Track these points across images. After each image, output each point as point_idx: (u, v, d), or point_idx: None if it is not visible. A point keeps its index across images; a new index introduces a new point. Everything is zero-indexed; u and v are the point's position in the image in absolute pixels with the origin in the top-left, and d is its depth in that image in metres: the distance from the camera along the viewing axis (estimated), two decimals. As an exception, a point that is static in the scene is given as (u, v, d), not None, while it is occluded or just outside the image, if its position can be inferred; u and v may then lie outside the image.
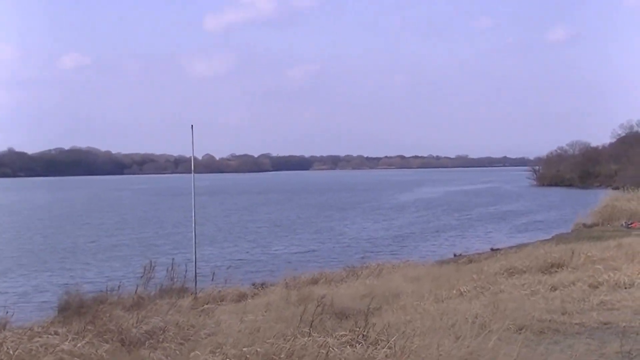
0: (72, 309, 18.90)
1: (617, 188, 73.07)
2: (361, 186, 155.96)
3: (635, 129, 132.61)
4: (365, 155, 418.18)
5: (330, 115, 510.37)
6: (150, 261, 24.21)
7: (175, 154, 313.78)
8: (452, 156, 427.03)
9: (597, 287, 14.74)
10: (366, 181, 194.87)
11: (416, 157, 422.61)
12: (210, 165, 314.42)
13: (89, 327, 10.46)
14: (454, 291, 15.91)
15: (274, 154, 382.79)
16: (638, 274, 15.44)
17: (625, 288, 14.45)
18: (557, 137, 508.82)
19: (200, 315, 13.55)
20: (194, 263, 22.96)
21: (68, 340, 9.44)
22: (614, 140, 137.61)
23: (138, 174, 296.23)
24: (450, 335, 8.93)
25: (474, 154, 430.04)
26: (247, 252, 41.65)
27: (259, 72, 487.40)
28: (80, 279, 29.42)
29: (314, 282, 24.87)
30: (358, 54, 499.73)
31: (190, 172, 25.07)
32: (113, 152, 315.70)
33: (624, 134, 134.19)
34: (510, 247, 35.92)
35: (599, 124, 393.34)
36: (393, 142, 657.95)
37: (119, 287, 21.06)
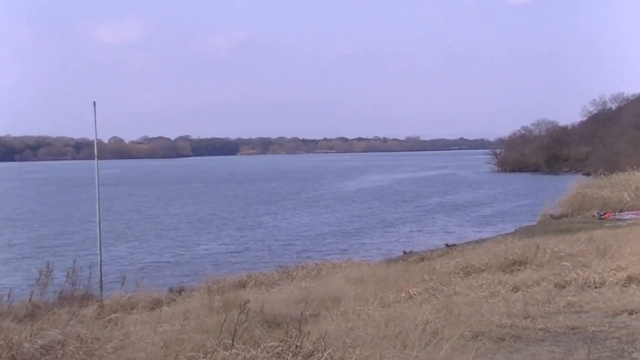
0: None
1: (588, 174, 74.73)
2: (296, 173, 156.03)
3: (609, 105, 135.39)
4: (301, 137, 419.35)
5: (260, 92, 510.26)
6: (48, 264, 23.72)
7: (77, 137, 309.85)
8: (402, 138, 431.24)
9: (564, 287, 15.00)
10: (302, 167, 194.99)
11: (360, 139, 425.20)
12: (118, 150, 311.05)
13: (-29, 343, 10.24)
14: (403, 294, 16.06)
15: (194, 136, 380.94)
16: (610, 272, 15.72)
17: (596, 287, 14.73)
18: (521, 115, 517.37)
19: (106, 326, 13.35)
20: (99, 265, 22.68)
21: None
22: (584, 118, 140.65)
23: (32, 160, 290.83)
24: (396, 345, 9.01)
25: (426, 136, 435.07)
26: (163, 252, 41.34)
27: (177, 40, 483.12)
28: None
29: (242, 285, 24.87)
30: (294, 20, 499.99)
31: (94, 158, 24.72)
32: (1, 134, 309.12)
33: (595, 112, 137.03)
34: (468, 243, 36.44)
35: (568, 101, 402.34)
36: (333, 122, 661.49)
37: (9, 294, 20.63)
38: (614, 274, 15.45)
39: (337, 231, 50.26)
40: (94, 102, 22.77)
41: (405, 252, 36.73)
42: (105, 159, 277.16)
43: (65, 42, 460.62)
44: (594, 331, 10.72)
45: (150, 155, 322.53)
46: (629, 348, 9.47)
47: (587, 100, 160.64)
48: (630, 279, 14.92)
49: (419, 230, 50.09)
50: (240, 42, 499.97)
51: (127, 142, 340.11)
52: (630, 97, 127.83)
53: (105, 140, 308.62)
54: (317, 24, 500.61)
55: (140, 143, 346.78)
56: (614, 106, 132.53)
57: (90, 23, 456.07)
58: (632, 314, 11.89)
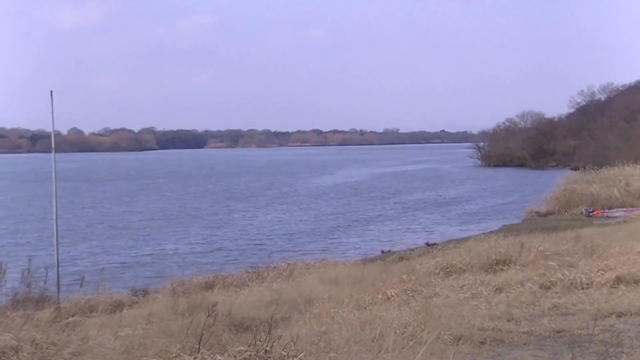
0: None
1: (576, 168, 75.27)
2: (268, 168, 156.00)
3: (597, 96, 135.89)
4: (273, 130, 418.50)
5: (230, 81, 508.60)
6: (0, 264, 23.65)
7: (33, 129, 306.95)
8: (379, 131, 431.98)
9: (549, 288, 15.09)
10: (274, 162, 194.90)
11: (335, 131, 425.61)
12: (78, 143, 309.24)
13: None
14: (380, 295, 16.11)
15: (160, 128, 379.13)
16: (597, 272, 15.81)
17: (583, 289, 14.83)
18: (505, 107, 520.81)
19: (63, 331, 13.27)
20: (56, 266, 22.57)
21: None
22: (572, 110, 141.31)
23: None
24: (372, 349, 9.05)
25: (405, 128, 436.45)
26: (126, 252, 41.21)
27: (140, 25, 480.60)
28: None
29: (209, 287, 24.87)
30: (264, 4, 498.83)
31: (51, 151, 24.57)
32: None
33: (584, 103, 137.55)
34: (449, 242, 36.64)
35: (555, 91, 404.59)
36: (307, 114, 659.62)
37: (-43, 297, 20.52)
38: (602, 274, 15.53)
39: (311, 229, 50.33)
40: (51, 91, 22.63)
41: (383, 252, 36.90)
42: (64, 151, 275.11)
43: (20, 26, 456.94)
44: (580, 334, 10.78)
45: (112, 148, 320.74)
46: (614, 351, 9.54)
47: (575, 91, 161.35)
48: (619, 280, 15.01)
49: (398, 229, 50.24)
50: (208, 26, 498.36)
51: (87, 134, 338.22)
52: (620, 88, 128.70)
53: (64, 132, 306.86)
54: (286, 8, 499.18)
55: (101, 135, 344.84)
56: (603, 97, 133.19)
57: (47, 6, 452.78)
58: (620, 316, 11.98)
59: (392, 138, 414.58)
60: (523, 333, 11.17)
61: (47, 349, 10.66)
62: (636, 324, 11.37)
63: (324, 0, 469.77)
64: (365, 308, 14.74)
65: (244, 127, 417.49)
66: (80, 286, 23.01)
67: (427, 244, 37.35)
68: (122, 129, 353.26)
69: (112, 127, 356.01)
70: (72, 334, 12.65)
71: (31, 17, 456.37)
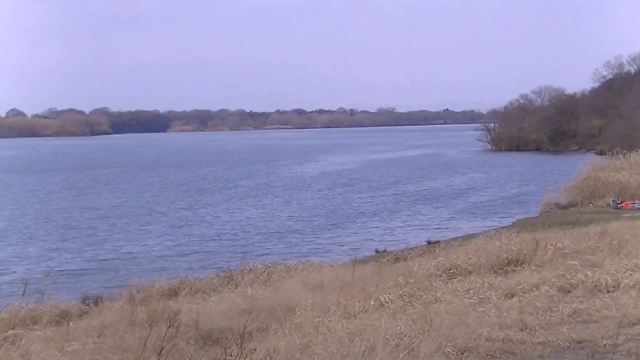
0: None
1: (601, 152, 75.57)
2: (242, 155, 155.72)
3: (626, 68, 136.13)
4: (248, 110, 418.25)
5: (195, 50, 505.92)
6: None
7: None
8: (372, 110, 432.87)
9: (569, 292, 15.17)
10: (249, 147, 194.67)
11: (321, 111, 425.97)
12: (19, 126, 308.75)
13: None
14: (372, 302, 16.15)
15: (114, 108, 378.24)
16: (625, 272, 15.89)
17: (608, 292, 14.91)
18: (519, 81, 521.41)
19: (1, 345, 13.34)
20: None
21: None
22: (596, 85, 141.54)
23: None
24: (362, 364, 9.08)
25: (402, 107, 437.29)
26: (75, 255, 41.12)
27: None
28: None
29: (173, 293, 24.86)
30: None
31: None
32: None
33: (610, 76, 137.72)
34: (454, 239, 36.77)
35: (577, 63, 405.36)
36: (287, 91, 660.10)
37: None
38: (631, 274, 15.62)
39: (292, 227, 50.33)
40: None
41: (377, 251, 36.95)
42: (2, 137, 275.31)
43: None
44: (604, 345, 10.83)
45: (59, 132, 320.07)
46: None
47: (600, 62, 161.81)
48: (650, 281, 15.09)
49: (394, 225, 50.27)
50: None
51: (29, 116, 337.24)
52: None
53: (2, 114, 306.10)
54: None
55: (46, 117, 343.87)
56: (632, 69, 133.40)
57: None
58: (650, 323, 12.04)
59: (387, 119, 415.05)
60: (538, 344, 11.23)
61: (-19, 367, 10.68)
62: (669, 333, 11.42)
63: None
64: (355, 316, 14.79)
65: (214, 107, 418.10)
66: (22, 294, 23.02)
67: (429, 242, 37.39)
68: (71, 110, 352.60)
69: (59, 108, 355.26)
70: (12, 350, 12.69)
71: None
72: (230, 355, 8.67)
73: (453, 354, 10.39)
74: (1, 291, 23.10)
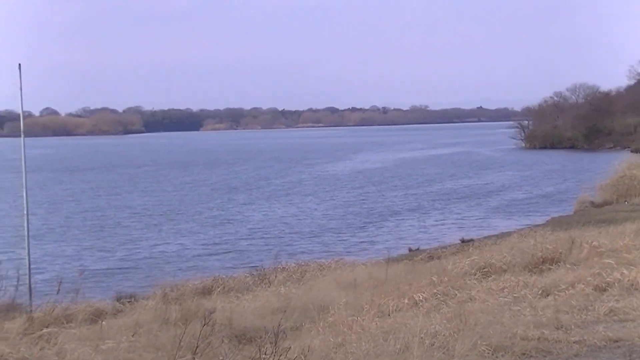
0: None
1: (637, 150, 75.13)
2: (274, 153, 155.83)
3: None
4: (281, 108, 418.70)
5: (229, 49, 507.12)
6: (-38, 268, 23.81)
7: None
8: (405, 108, 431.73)
9: (605, 290, 15.09)
10: (282, 146, 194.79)
11: (353, 109, 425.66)
12: (53, 125, 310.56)
13: None
14: (406, 300, 16.12)
15: (147, 107, 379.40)
16: (663, 271, 15.83)
17: (644, 290, 14.84)
18: (553, 79, 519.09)
19: (36, 343, 13.40)
20: (27, 269, 22.63)
21: None
22: (632, 82, 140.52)
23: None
24: (397, 363, 9.07)
25: (435, 105, 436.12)
26: (109, 253, 41.32)
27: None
28: None
29: (206, 292, 24.88)
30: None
31: (20, 135, 24.60)
32: None
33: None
34: (488, 237, 36.62)
35: (612, 60, 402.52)
36: (320, 90, 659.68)
37: None
38: (667, 273, 15.52)
39: (325, 225, 50.33)
40: (19, 65, 22.63)
41: (410, 250, 36.88)
42: (36, 135, 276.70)
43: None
44: (641, 344, 10.77)
45: (93, 131, 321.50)
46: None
47: (635, 59, 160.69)
48: (687, 280, 15.00)
49: (428, 223, 50.19)
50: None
51: (63, 114, 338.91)
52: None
53: (36, 113, 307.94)
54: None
55: (79, 116, 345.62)
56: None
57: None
58: (688, 322, 11.97)
59: (420, 117, 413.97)
60: (574, 343, 11.18)
61: (17, 365, 10.73)
62: None
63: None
64: (389, 315, 14.76)
65: (247, 106, 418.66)
66: (57, 292, 23.12)
67: (462, 241, 37.29)
68: (104, 109, 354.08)
69: (92, 107, 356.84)
70: (47, 348, 12.76)
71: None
72: (265, 353, 8.69)
73: (488, 353, 10.37)
74: (36, 290, 23.09)
